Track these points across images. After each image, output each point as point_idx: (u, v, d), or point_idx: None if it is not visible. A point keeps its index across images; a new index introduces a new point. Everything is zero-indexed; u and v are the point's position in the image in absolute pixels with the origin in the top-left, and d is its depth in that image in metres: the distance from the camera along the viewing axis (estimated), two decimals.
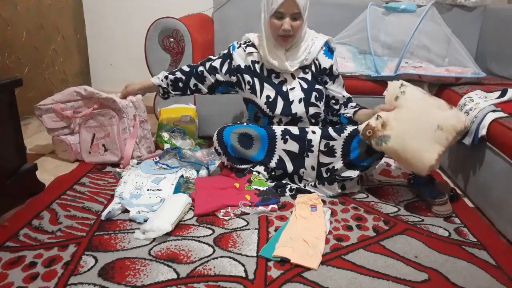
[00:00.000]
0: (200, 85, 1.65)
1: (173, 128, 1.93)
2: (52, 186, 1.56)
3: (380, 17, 2.20)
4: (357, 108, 1.59)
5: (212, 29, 2.41)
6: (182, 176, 1.54)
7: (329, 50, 1.59)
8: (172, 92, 1.68)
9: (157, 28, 1.97)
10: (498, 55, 2.15)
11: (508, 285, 1.08)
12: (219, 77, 1.63)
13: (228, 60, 1.61)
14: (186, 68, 1.66)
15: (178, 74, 1.66)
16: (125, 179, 1.51)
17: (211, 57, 1.66)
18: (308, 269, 1.11)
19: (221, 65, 1.62)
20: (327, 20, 2.24)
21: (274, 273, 1.09)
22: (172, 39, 1.98)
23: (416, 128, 1.34)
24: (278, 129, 1.54)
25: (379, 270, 1.12)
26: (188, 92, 1.68)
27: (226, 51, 1.63)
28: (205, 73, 1.63)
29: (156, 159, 1.69)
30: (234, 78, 1.62)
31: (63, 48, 2.50)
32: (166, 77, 1.66)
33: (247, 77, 1.58)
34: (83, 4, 2.69)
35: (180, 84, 1.65)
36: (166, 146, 1.86)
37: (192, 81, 1.64)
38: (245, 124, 1.63)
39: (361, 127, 1.42)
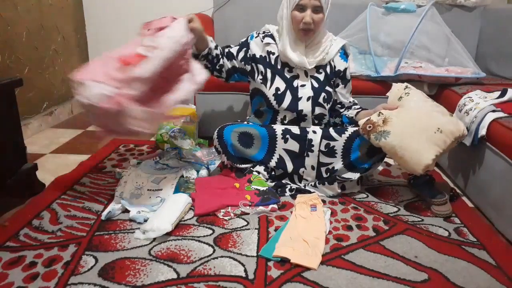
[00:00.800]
0: (223, 68, 1.64)
1: (173, 128, 1.93)
2: (52, 186, 1.56)
3: (380, 17, 2.20)
4: (360, 109, 1.60)
5: (212, 29, 2.41)
6: (182, 176, 1.54)
7: (344, 54, 1.62)
8: (205, 60, 1.60)
9: None
10: (498, 55, 2.16)
11: (508, 285, 1.08)
12: (235, 63, 1.64)
13: (245, 49, 1.62)
14: (220, 48, 1.64)
15: (219, 51, 1.63)
16: (125, 179, 1.51)
17: (230, 45, 1.67)
18: (308, 269, 1.11)
19: (238, 52, 1.63)
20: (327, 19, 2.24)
21: (274, 273, 1.09)
22: None
23: (416, 128, 1.36)
24: (278, 129, 1.54)
25: (379, 270, 1.12)
26: (211, 68, 1.63)
27: (244, 40, 1.64)
28: (225, 59, 1.63)
29: (156, 159, 1.69)
30: (248, 67, 1.63)
31: (63, 48, 2.50)
32: (216, 47, 1.62)
33: (260, 67, 1.59)
34: (83, 4, 2.69)
35: (215, 60, 1.62)
36: (166, 146, 1.86)
37: (221, 61, 1.63)
38: (245, 123, 1.63)
39: (361, 122, 1.45)
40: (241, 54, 1.62)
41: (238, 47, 1.64)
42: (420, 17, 1.95)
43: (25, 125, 2.08)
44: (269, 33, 1.62)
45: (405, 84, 1.50)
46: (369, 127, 1.41)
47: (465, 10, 2.32)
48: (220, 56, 1.62)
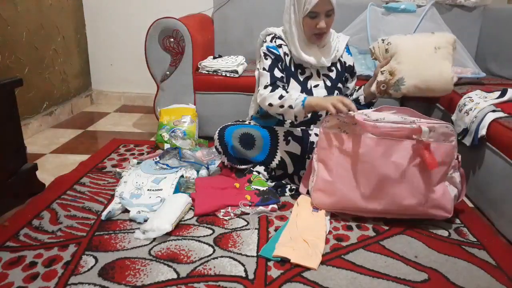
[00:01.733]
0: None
1: (173, 128, 1.93)
2: (52, 186, 1.56)
3: (380, 17, 2.20)
4: (360, 87, 1.66)
5: (212, 29, 2.42)
6: (182, 176, 1.54)
7: (348, 49, 1.63)
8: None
9: (157, 28, 1.97)
10: (498, 55, 2.15)
11: (508, 285, 1.08)
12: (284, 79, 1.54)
13: (280, 62, 1.51)
14: (284, 92, 1.45)
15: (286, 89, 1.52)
16: (125, 179, 1.51)
17: (265, 74, 1.49)
18: (308, 269, 1.11)
19: (281, 70, 1.51)
20: None
21: (274, 273, 1.09)
22: (172, 39, 1.99)
23: (420, 58, 1.44)
24: (280, 130, 1.53)
25: (379, 270, 1.12)
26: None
27: (272, 56, 1.50)
28: (284, 87, 1.51)
29: (156, 159, 1.69)
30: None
31: (63, 48, 2.50)
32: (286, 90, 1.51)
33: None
34: (83, 4, 2.70)
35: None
36: (166, 146, 1.86)
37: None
38: (247, 123, 1.63)
39: (373, 88, 1.51)
40: (281, 68, 1.51)
41: (277, 68, 1.49)
42: (420, 17, 1.95)
43: (25, 125, 2.08)
44: (278, 36, 1.54)
45: (379, 39, 1.57)
46: (383, 86, 1.46)
47: (465, 10, 2.32)
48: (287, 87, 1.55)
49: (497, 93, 1.58)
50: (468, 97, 1.61)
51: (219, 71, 2.04)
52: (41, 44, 2.26)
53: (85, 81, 2.79)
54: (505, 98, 1.53)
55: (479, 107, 1.50)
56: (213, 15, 2.42)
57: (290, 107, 1.40)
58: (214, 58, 2.18)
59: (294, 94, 1.42)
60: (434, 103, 1.98)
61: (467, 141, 1.50)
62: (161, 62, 2.02)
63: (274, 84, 1.48)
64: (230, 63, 2.07)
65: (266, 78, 1.49)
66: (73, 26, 2.60)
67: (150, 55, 2.02)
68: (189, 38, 1.98)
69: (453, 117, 1.64)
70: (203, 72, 2.06)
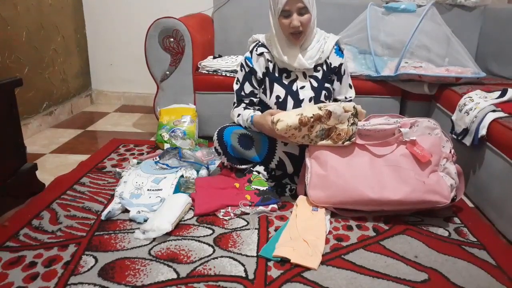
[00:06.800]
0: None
1: (173, 128, 1.93)
2: (52, 186, 1.56)
3: (380, 17, 2.20)
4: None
5: (212, 29, 2.42)
6: (182, 176, 1.54)
7: (339, 50, 1.57)
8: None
9: (157, 28, 1.97)
10: (498, 55, 2.15)
11: (508, 285, 1.08)
12: (257, 92, 1.58)
13: (253, 76, 1.55)
14: (241, 110, 1.56)
15: (255, 103, 1.59)
16: (125, 179, 1.51)
17: (236, 87, 1.58)
18: (308, 269, 1.11)
19: (253, 85, 1.56)
20: (327, 20, 2.23)
21: (274, 273, 1.09)
22: (172, 39, 1.98)
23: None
24: None
25: (379, 270, 1.12)
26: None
27: (246, 69, 1.55)
28: (252, 101, 1.57)
29: (156, 159, 1.69)
30: (263, 85, 1.58)
31: (63, 48, 2.50)
32: (254, 107, 1.60)
33: (265, 80, 1.56)
34: (83, 4, 2.69)
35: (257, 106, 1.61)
36: (166, 146, 1.86)
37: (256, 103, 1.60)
38: None
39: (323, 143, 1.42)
40: (255, 82, 1.55)
41: (247, 81, 1.55)
42: (420, 17, 1.95)
43: (25, 125, 2.08)
44: (260, 43, 1.55)
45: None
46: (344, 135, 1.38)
47: (465, 10, 2.32)
48: (255, 102, 1.59)
49: (497, 93, 1.58)
50: (468, 97, 1.61)
51: (219, 71, 2.04)
52: (41, 44, 2.26)
53: (85, 81, 2.79)
54: (505, 98, 1.53)
55: (479, 107, 1.50)
56: (213, 15, 2.42)
57: (245, 126, 1.54)
58: (214, 58, 2.18)
59: (245, 115, 1.52)
60: (435, 103, 1.98)
61: (467, 141, 1.50)
62: (161, 62, 2.02)
63: (239, 101, 1.58)
64: (230, 63, 2.07)
65: (234, 96, 1.59)
66: (73, 26, 2.60)
67: (150, 55, 2.02)
68: (189, 38, 1.98)
69: (453, 117, 1.64)
70: (203, 72, 2.06)
